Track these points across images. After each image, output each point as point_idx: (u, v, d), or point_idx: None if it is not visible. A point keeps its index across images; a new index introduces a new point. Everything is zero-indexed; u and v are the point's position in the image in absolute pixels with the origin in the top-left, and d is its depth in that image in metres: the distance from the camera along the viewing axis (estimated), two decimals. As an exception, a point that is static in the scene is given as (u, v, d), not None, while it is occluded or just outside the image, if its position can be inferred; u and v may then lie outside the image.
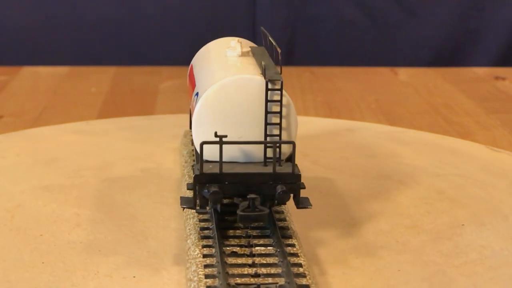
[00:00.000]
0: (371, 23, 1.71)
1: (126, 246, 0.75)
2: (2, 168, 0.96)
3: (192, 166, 0.73)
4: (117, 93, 1.46)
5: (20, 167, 0.97)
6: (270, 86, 0.71)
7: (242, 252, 0.69)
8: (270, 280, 0.64)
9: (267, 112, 0.71)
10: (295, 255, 0.68)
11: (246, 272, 0.65)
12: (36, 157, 1.00)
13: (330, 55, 1.71)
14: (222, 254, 0.67)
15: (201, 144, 0.68)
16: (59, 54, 1.70)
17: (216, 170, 0.69)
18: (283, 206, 0.77)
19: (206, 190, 0.69)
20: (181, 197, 0.73)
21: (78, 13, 1.70)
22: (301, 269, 0.66)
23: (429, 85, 1.53)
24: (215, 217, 0.73)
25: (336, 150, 1.05)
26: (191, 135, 0.94)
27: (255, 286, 0.63)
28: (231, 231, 0.72)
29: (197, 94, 0.76)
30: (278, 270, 0.66)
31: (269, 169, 0.70)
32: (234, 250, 0.69)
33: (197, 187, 0.69)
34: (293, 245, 0.70)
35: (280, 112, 0.71)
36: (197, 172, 0.69)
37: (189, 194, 0.84)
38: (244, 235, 0.72)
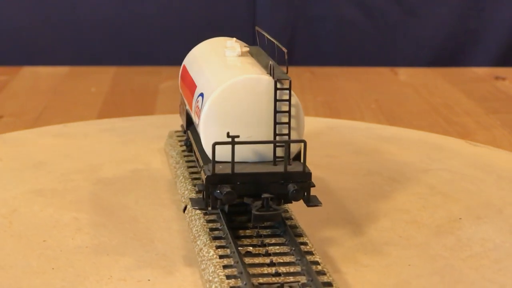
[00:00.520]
0: (371, 23, 1.71)
1: (134, 249, 0.75)
2: (-12, 173, 0.94)
3: (201, 167, 0.72)
4: (117, 93, 1.45)
5: (6, 171, 0.95)
6: (278, 85, 0.71)
7: (257, 252, 0.69)
8: (291, 278, 0.64)
9: (276, 112, 0.72)
10: (310, 253, 0.68)
11: (266, 272, 0.65)
12: (21, 161, 0.98)
13: (330, 55, 1.71)
14: (240, 254, 0.67)
15: (213, 145, 0.68)
16: (59, 54, 1.67)
17: (227, 170, 0.69)
18: (287, 205, 0.77)
19: (218, 191, 0.69)
20: (190, 199, 0.72)
21: (78, 13, 1.67)
22: (319, 267, 0.66)
23: (429, 85, 1.53)
24: (224, 218, 0.73)
25: (320, 149, 1.06)
26: (186, 136, 0.93)
27: (279, 285, 0.63)
28: (241, 231, 0.72)
29: (201, 94, 0.76)
30: (297, 269, 0.66)
31: (280, 168, 0.70)
32: (248, 250, 0.69)
33: (208, 188, 0.69)
34: (305, 243, 0.70)
35: (289, 111, 0.72)
36: (209, 173, 0.69)
37: (183, 195, 0.84)
38: (255, 235, 0.72)
